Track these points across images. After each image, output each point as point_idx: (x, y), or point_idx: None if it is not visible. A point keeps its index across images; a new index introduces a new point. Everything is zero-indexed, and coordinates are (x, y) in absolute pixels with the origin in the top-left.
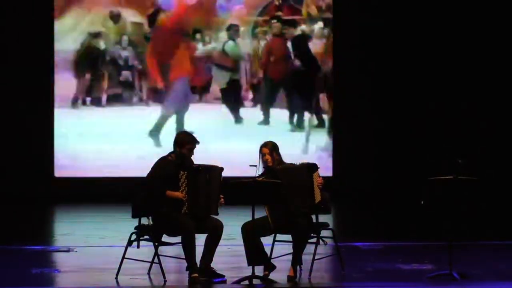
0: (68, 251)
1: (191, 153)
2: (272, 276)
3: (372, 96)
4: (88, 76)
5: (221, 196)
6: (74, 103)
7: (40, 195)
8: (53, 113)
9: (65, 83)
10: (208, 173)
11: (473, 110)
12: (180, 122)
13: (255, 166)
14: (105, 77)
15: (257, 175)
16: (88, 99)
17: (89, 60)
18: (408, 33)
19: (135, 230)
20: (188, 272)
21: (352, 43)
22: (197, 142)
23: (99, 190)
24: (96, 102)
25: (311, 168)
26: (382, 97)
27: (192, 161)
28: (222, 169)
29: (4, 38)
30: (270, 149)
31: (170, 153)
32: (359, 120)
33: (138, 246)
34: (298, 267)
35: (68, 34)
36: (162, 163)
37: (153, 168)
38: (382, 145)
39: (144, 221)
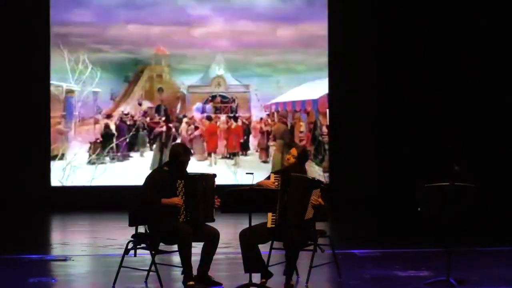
0: (65, 260)
1: (186, 164)
2: (269, 284)
3: (371, 102)
4: None
5: (216, 197)
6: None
7: (37, 204)
8: (50, 124)
9: None
10: (204, 181)
11: (471, 116)
12: None
13: (252, 173)
14: None
15: (255, 182)
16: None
17: None
18: (406, 38)
19: (132, 239)
20: (184, 279)
21: (351, 47)
22: (191, 154)
23: (96, 198)
24: None
25: (313, 184)
26: (381, 101)
27: (187, 171)
28: (215, 175)
29: (4, 42)
30: (297, 153)
31: (164, 165)
32: (358, 127)
33: (135, 255)
34: (295, 275)
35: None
36: (155, 174)
37: (146, 179)
38: (379, 152)
39: (141, 229)
